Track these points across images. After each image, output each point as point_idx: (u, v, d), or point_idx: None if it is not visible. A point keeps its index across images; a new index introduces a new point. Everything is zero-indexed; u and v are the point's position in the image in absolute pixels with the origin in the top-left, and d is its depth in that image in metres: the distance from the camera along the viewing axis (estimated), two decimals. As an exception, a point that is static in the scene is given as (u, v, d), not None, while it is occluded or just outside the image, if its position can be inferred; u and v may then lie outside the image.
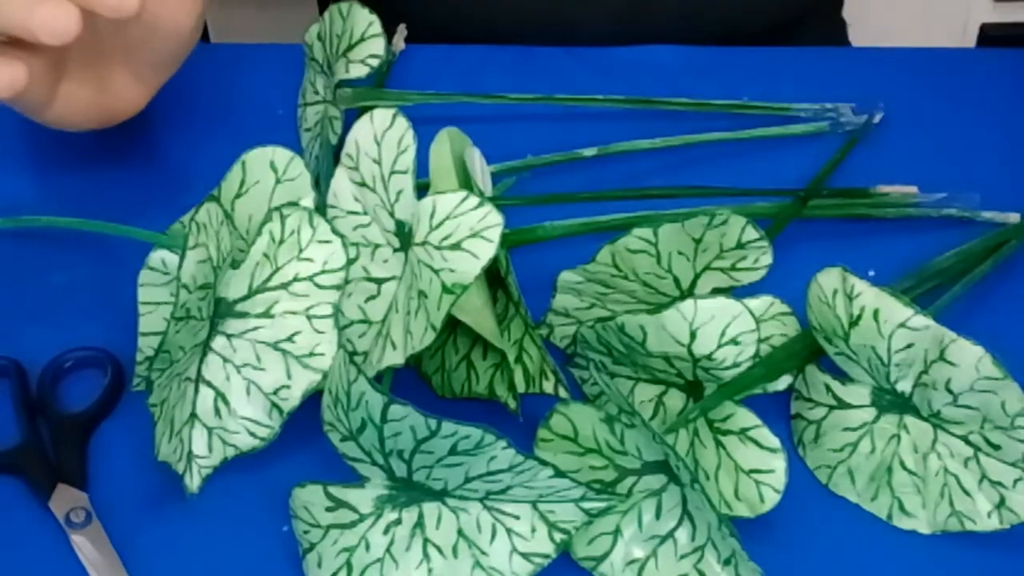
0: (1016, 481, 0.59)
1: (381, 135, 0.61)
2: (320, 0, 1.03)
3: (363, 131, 0.61)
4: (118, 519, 0.61)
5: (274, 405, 0.60)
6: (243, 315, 0.61)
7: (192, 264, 0.58)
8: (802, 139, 0.71)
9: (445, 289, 0.56)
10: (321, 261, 0.60)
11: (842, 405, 0.63)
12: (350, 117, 0.72)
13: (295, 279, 0.60)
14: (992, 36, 1.66)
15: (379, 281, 0.62)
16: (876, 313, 0.59)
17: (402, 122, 0.60)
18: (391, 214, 0.61)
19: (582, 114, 0.79)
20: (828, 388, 0.63)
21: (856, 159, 0.77)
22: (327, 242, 0.60)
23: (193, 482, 0.60)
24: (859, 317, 0.59)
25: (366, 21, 0.71)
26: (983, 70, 0.84)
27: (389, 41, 0.73)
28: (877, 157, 0.77)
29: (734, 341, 0.59)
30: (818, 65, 0.84)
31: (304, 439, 0.62)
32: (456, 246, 0.57)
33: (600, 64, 0.83)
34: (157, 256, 0.64)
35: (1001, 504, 0.60)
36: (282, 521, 0.61)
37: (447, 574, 0.58)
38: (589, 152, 0.75)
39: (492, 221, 0.56)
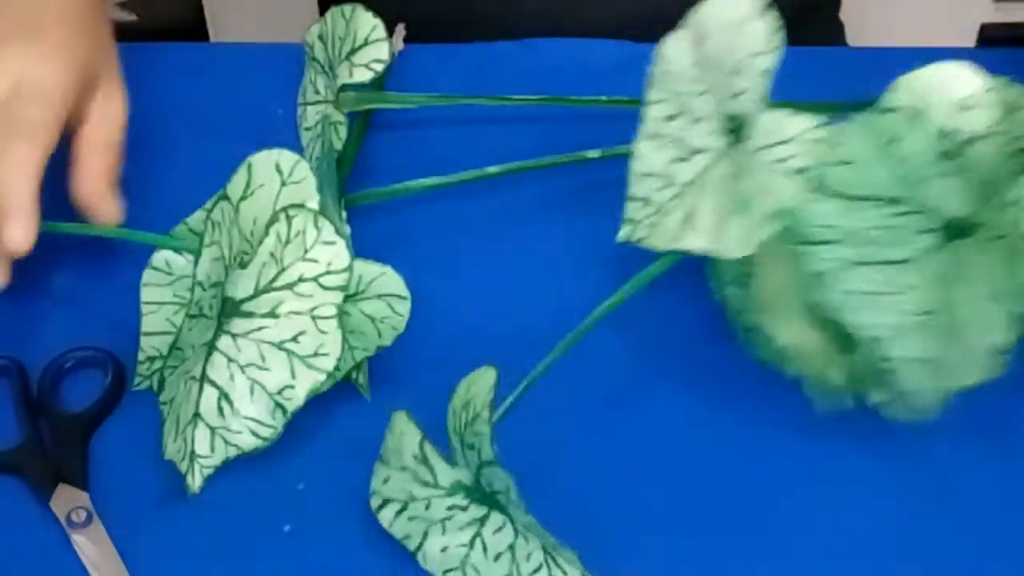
0: None
1: (740, 24, 0.60)
2: (320, 2, 1.03)
3: (718, 14, 0.60)
4: (119, 519, 0.62)
5: (278, 405, 0.60)
6: (249, 315, 0.61)
7: (208, 262, 0.58)
8: (803, 139, 0.71)
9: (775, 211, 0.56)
10: (325, 262, 0.60)
11: None
12: (351, 118, 0.72)
13: (300, 279, 0.60)
14: (992, 36, 1.66)
15: (694, 150, 0.61)
16: None
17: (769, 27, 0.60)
18: (732, 98, 0.60)
19: (583, 114, 0.78)
20: None
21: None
22: (331, 243, 0.60)
23: (195, 482, 0.60)
24: None
25: (369, 25, 0.70)
26: (983, 70, 0.84)
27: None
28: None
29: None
30: (817, 65, 0.84)
31: (307, 439, 0.62)
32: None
33: (601, 62, 0.83)
34: (161, 256, 0.64)
35: None
36: (284, 521, 0.61)
37: (482, 568, 0.58)
38: (593, 154, 0.75)
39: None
